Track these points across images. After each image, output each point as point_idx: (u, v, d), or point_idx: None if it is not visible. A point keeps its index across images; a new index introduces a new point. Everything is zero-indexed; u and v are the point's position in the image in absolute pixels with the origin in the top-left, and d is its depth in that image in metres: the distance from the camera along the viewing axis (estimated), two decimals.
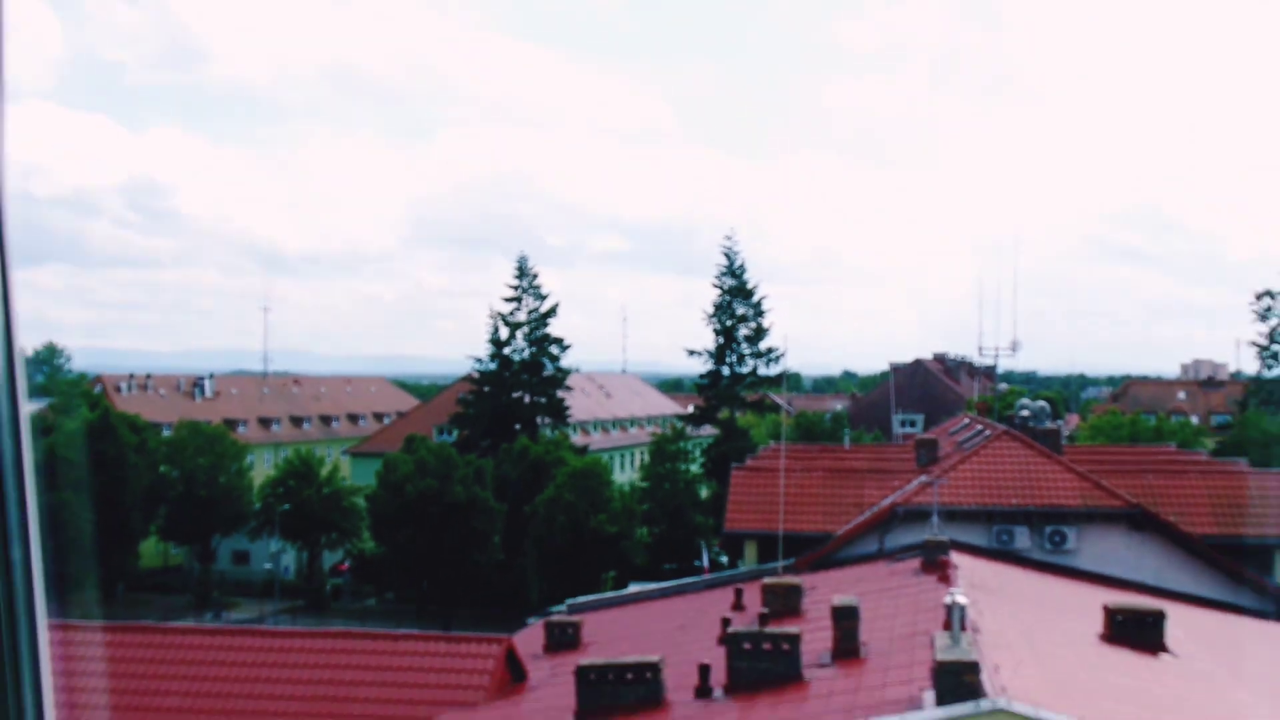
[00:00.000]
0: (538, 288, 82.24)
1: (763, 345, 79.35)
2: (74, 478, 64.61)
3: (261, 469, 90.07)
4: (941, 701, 14.73)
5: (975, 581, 23.97)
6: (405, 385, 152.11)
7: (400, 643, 23.33)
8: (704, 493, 73.19)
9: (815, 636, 19.52)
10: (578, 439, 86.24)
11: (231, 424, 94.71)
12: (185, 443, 77.22)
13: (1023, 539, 30.56)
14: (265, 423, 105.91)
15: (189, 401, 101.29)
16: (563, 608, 32.90)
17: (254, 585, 75.90)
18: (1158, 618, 20.51)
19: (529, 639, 26.74)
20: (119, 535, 68.24)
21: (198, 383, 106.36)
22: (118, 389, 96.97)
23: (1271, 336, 76.45)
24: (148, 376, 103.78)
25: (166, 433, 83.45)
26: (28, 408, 1.55)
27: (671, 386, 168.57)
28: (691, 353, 79.90)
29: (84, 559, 63.97)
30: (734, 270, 79.01)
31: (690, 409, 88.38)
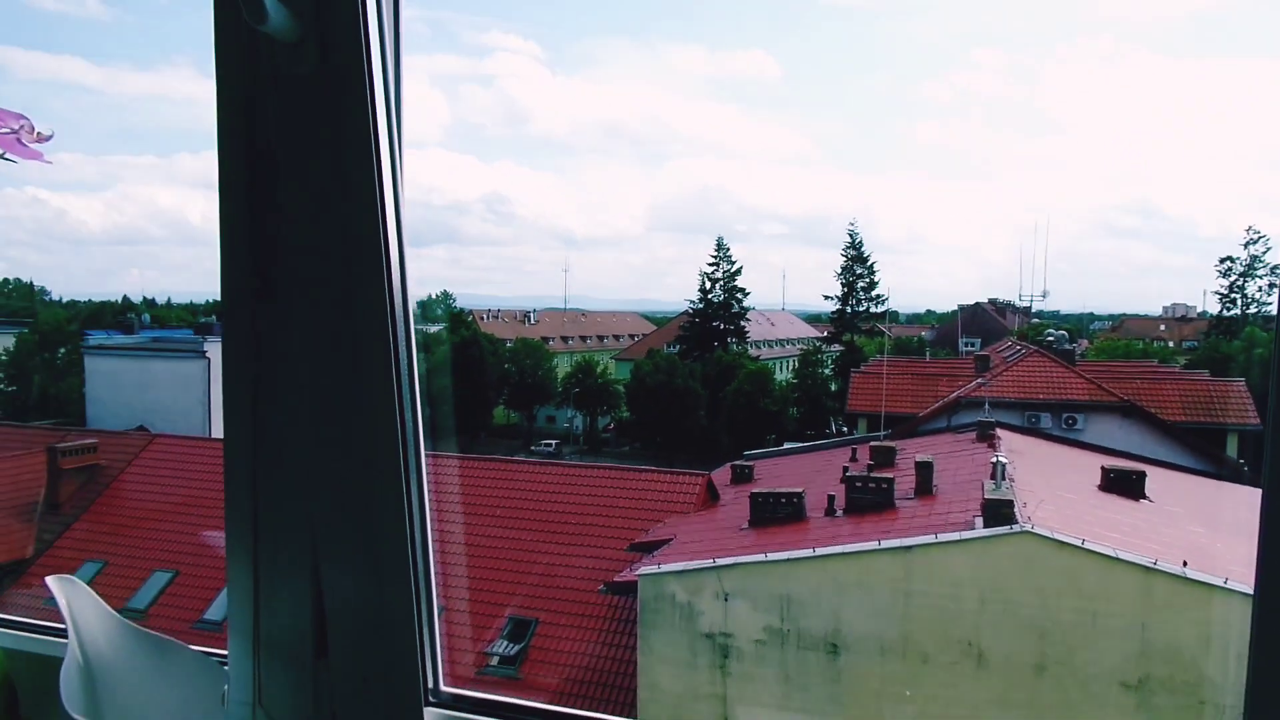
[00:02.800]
0: (729, 257, 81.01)
1: (873, 293, 76.56)
2: (458, 369, 68.02)
3: (563, 367, 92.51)
4: (988, 525, 14.11)
5: (1013, 448, 22.73)
6: (649, 318, 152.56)
7: (644, 474, 23.82)
8: (833, 387, 71.40)
9: (904, 480, 18.99)
10: (753, 353, 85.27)
11: (546, 339, 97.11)
12: (519, 350, 79.66)
13: (1046, 422, 28.72)
14: (565, 339, 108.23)
15: (522, 326, 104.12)
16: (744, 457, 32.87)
17: (557, 435, 78.39)
18: (1140, 475, 19.04)
19: (721, 475, 26.95)
20: (481, 404, 71.39)
21: (526, 315, 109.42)
22: (481, 318, 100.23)
23: (1230, 288, 68.84)
24: (498, 311, 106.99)
25: (509, 345, 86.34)
26: (413, 329, 1.55)
27: (813, 319, 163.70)
28: (827, 297, 77.51)
29: (460, 418, 67.67)
30: (855, 244, 75.99)
31: (825, 334, 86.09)
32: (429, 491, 1.65)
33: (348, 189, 1.49)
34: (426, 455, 1.63)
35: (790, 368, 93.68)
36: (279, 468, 1.55)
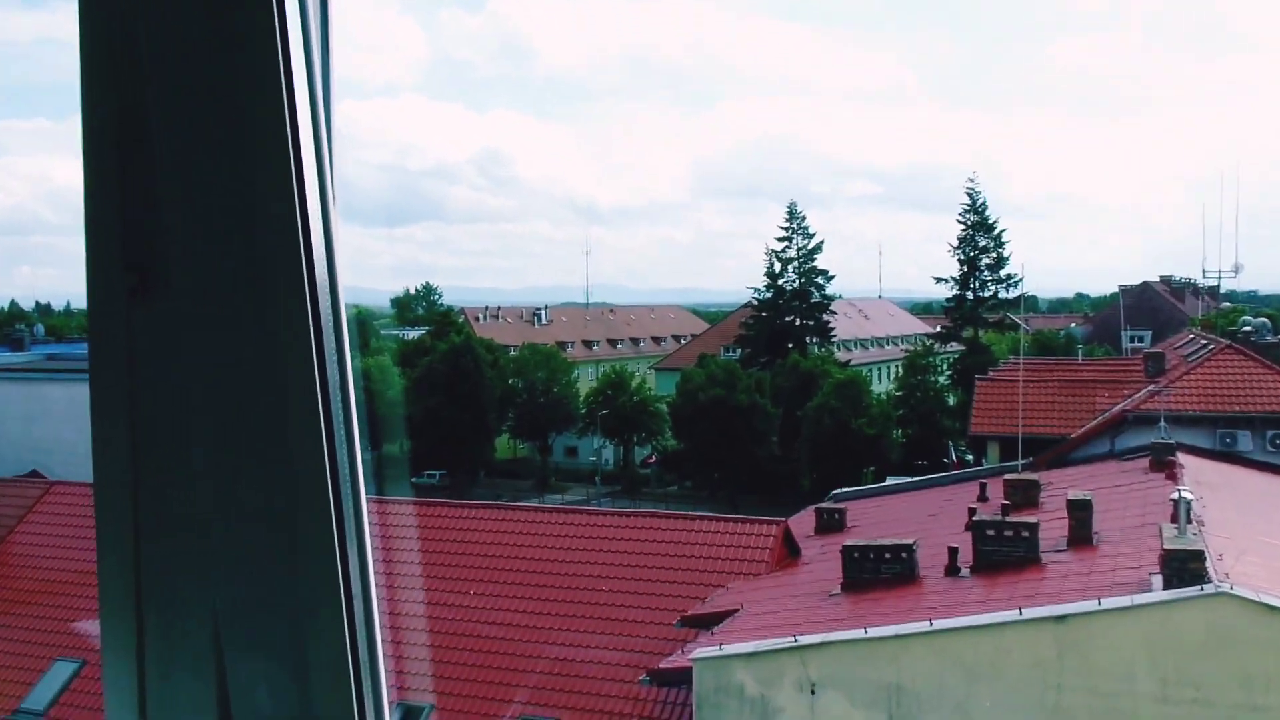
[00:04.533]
0: (805, 228, 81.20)
1: (1002, 272, 76.01)
2: (445, 388, 68.78)
3: (585, 381, 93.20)
4: (1169, 585, 13.73)
5: (1200, 479, 22.19)
6: (697, 312, 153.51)
7: (698, 522, 23.73)
8: (951, 400, 70.91)
9: (1051, 526, 18.63)
10: (840, 355, 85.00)
11: (562, 345, 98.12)
12: (527, 360, 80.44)
13: (1245, 442, 28.06)
14: (588, 344, 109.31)
15: (529, 328, 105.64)
16: (830, 497, 32.67)
17: (581, 473, 78.90)
18: None
19: (802, 522, 26.76)
20: (479, 433, 72.15)
21: (536, 313, 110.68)
22: (476, 319, 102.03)
23: None
24: (498, 308, 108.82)
25: (513, 353, 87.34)
26: (346, 335, 1.48)
27: (921, 310, 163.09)
28: (939, 280, 77.26)
29: (453, 451, 68.37)
30: (976, 207, 75.58)
31: (938, 329, 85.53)
32: (373, 551, 1.59)
33: (251, 144, 1.42)
34: (369, 501, 1.57)
35: (892, 375, 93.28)
36: (168, 528, 1.49)
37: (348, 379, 1.53)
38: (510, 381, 79.13)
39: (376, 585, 1.58)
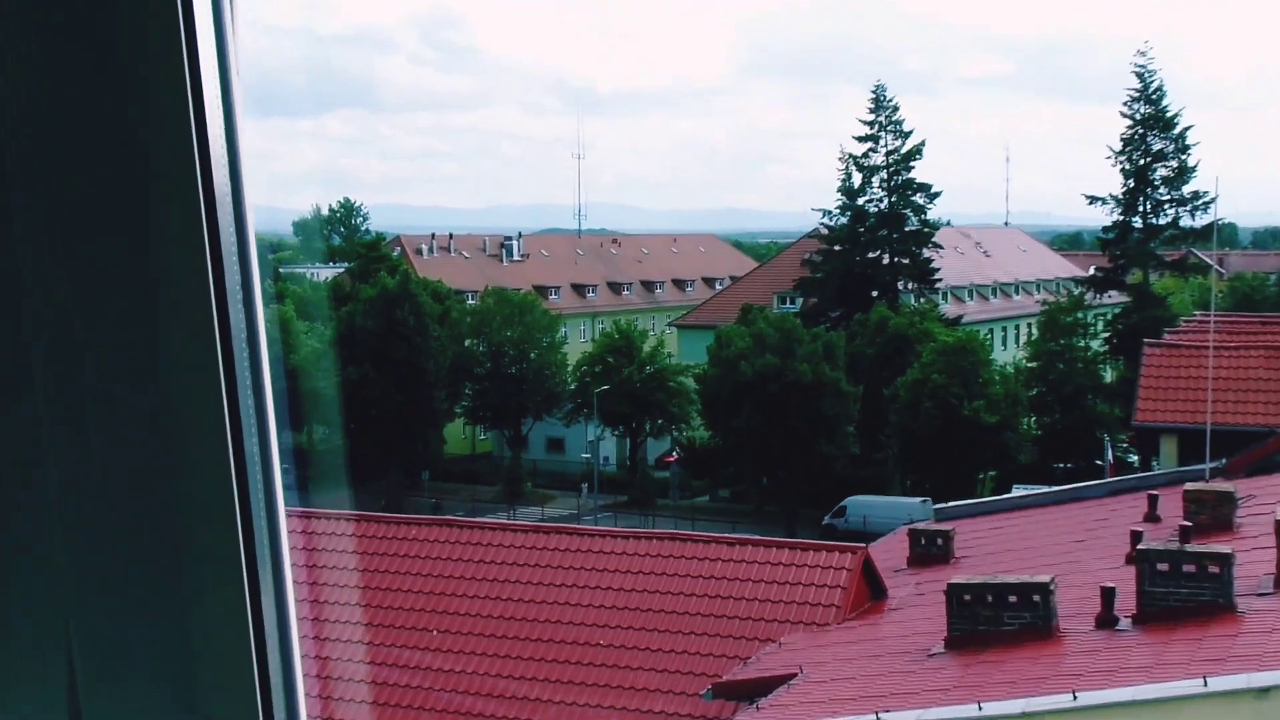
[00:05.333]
0: (898, 123, 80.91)
1: (1186, 189, 75.50)
2: (373, 351, 68.96)
3: (576, 343, 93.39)
4: None
5: None
6: (739, 245, 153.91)
7: (737, 549, 23.79)
8: (1108, 375, 70.88)
9: (1252, 557, 18.68)
10: (948, 308, 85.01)
11: (542, 290, 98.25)
12: (492, 312, 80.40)
13: None
14: (580, 289, 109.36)
15: (495, 265, 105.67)
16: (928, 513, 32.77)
17: (569, 476, 79.18)
18: None
19: (889, 549, 26.80)
20: (422, 417, 72.32)
21: (504, 243, 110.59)
22: (418, 251, 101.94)
23: None
24: (450, 237, 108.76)
25: (471, 301, 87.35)
26: (256, 270, 1.52)
27: (1066, 243, 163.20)
28: (1092, 199, 76.92)
29: (384, 442, 68.66)
30: (1148, 94, 75.15)
31: (1091, 270, 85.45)
32: (290, 573, 1.65)
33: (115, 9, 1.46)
34: (288, 516, 1.62)
35: (1022, 337, 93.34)
36: (20, 547, 1.54)
37: (258, 336, 1.55)
38: (468, 343, 79.22)
39: (300, 633, 1.62)
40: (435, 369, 72.60)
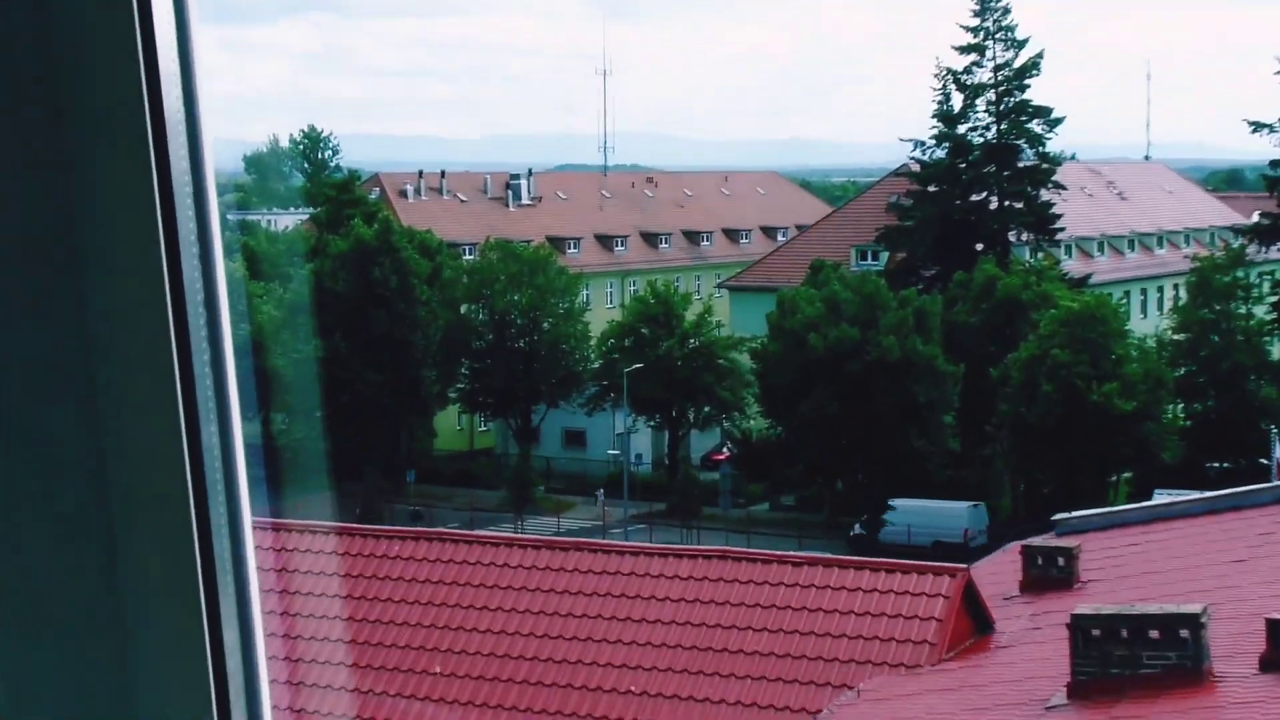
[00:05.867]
0: (1009, 29, 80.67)
1: None
2: (345, 320, 69.06)
3: (601, 309, 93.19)
4: None
5: None
6: (807, 184, 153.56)
7: (805, 571, 23.85)
8: (1275, 351, 70.60)
9: None
10: (1073, 265, 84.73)
11: (558, 243, 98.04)
12: (495, 271, 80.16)
13: None
14: (606, 241, 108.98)
15: (499, 210, 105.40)
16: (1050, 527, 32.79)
17: (592, 478, 79.09)
18: None
19: (997, 571, 26.81)
20: (407, 403, 72.41)
21: (510, 183, 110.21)
22: (402, 193, 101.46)
23: None
24: (441, 174, 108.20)
25: (469, 256, 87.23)
26: (220, 245, 1.54)
27: (1223, 181, 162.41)
28: (1256, 127, 76.53)
29: (359, 435, 68.83)
30: None
31: (1254, 217, 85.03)
32: (256, 592, 1.68)
33: None
34: (256, 527, 1.64)
35: (1166, 302, 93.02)
36: None
37: (217, 300, 1.57)
38: (464, 310, 79.10)
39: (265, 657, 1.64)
40: (423, 343, 72.69)
